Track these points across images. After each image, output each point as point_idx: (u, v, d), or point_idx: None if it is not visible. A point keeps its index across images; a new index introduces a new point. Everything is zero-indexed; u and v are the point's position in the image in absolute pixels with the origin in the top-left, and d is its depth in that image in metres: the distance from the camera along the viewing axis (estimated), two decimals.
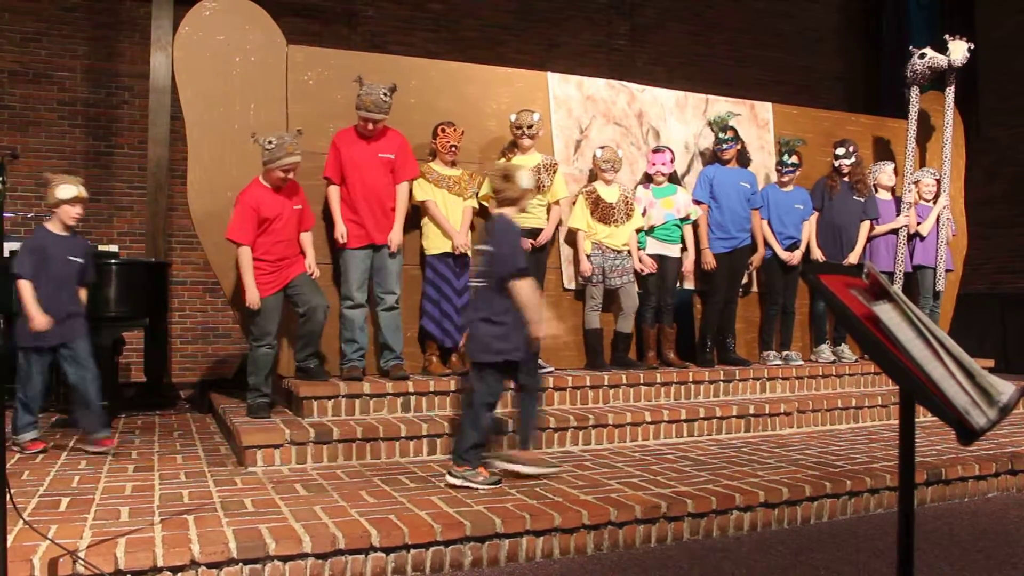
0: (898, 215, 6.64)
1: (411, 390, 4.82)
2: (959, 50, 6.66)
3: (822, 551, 3.37)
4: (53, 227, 4.38)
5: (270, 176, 4.59)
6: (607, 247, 5.61)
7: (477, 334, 3.76)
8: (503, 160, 5.43)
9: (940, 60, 6.58)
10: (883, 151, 7.24)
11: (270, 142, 4.51)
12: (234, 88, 5.00)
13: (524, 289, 3.66)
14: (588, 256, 5.61)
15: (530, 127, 5.36)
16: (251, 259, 4.56)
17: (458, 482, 3.68)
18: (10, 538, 2.66)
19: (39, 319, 4.16)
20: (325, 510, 3.26)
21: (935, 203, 6.77)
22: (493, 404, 3.81)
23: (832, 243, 6.36)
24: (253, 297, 4.56)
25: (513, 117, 5.41)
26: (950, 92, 6.85)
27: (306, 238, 4.84)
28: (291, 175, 4.62)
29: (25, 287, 4.18)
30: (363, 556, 2.98)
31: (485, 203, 5.44)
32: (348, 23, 8.64)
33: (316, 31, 8.30)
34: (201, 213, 4.96)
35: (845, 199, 6.38)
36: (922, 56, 6.66)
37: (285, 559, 2.86)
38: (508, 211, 3.87)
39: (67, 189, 4.31)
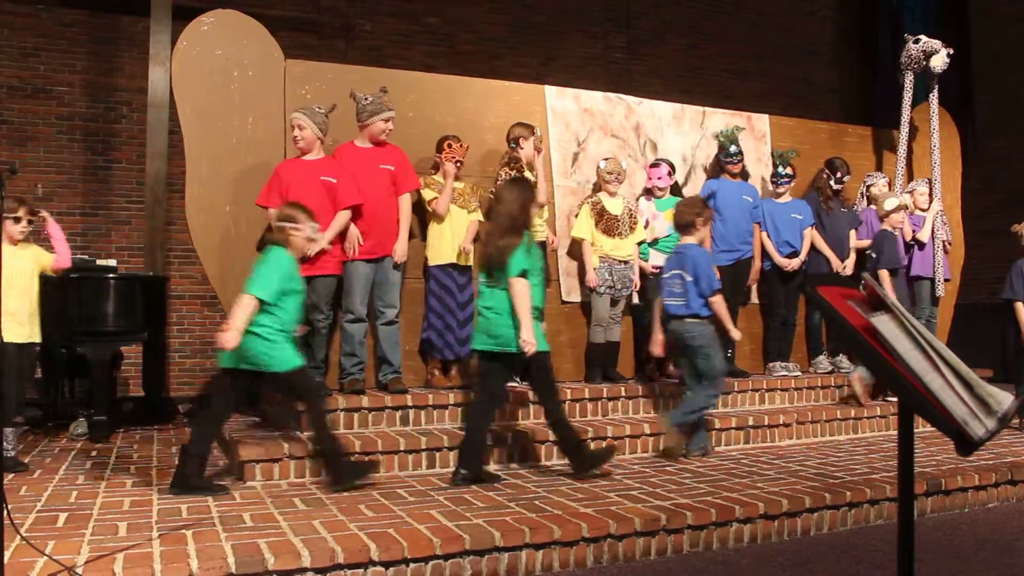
0: None
1: (409, 404, 4.81)
2: (939, 58, 6.70)
3: (822, 563, 3.36)
4: None
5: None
6: (614, 259, 5.59)
7: None
8: (502, 172, 5.44)
9: (934, 44, 6.62)
10: (879, 162, 7.26)
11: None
12: (232, 102, 5.01)
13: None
14: (595, 269, 5.56)
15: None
16: None
17: None
18: (7, 554, 2.65)
19: None
20: (324, 524, 3.26)
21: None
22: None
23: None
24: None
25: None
26: (933, 99, 6.88)
27: (339, 217, 4.73)
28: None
29: None
30: (362, 570, 2.96)
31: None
32: (345, 37, 8.68)
33: (314, 45, 8.33)
34: (199, 227, 4.96)
35: (837, 213, 6.44)
36: (916, 41, 6.70)
37: (284, 574, 2.85)
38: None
39: None
